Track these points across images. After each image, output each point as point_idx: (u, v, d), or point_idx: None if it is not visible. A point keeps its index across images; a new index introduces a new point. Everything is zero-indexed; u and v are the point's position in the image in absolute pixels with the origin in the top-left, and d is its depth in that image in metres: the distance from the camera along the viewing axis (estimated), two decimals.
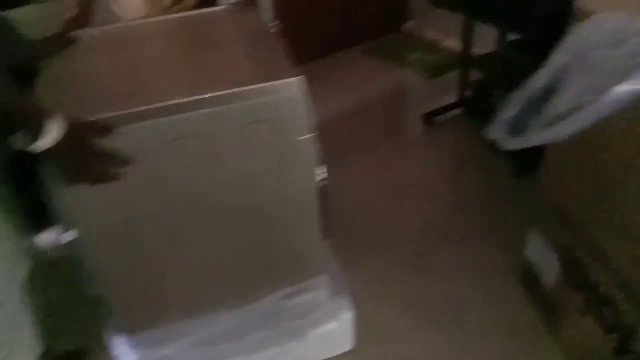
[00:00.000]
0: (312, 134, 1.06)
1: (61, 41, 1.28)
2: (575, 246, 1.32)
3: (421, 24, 3.55)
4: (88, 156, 0.92)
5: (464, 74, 2.50)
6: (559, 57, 1.05)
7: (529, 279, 1.60)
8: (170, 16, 1.59)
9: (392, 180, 2.25)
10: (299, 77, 0.98)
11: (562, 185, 1.35)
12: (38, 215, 1.13)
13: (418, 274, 1.77)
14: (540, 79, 1.08)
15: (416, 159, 2.40)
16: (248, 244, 1.17)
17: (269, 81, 0.98)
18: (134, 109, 0.94)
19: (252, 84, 0.98)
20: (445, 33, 3.29)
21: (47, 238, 1.29)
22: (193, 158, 1.01)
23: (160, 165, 1.00)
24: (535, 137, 1.05)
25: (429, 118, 2.60)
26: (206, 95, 0.95)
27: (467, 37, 2.38)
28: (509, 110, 1.12)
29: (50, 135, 0.84)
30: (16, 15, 1.21)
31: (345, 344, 1.50)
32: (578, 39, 1.01)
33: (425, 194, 2.15)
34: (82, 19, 1.48)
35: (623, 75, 0.92)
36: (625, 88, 0.91)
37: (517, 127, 1.12)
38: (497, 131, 1.13)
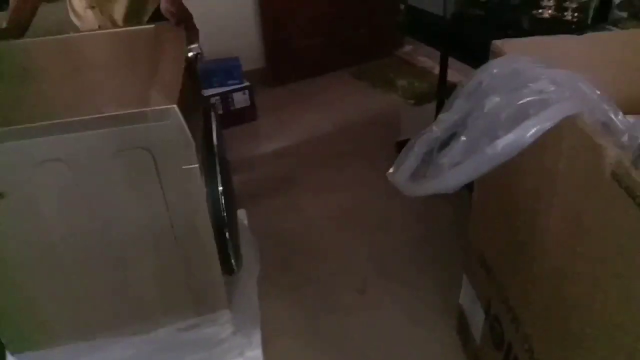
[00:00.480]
0: (197, 164, 1.01)
1: None
2: (495, 302, 1.23)
3: (415, 50, 3.49)
4: None
5: (440, 104, 2.42)
6: (460, 102, 0.98)
7: (463, 327, 1.51)
8: (105, 31, 1.58)
9: (349, 207, 2.18)
10: (173, 105, 0.93)
11: (483, 233, 1.27)
12: None
13: (353, 312, 1.68)
14: (442, 123, 1.01)
15: (380, 187, 2.31)
16: (132, 273, 1.12)
17: (140, 108, 0.93)
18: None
19: (125, 109, 0.93)
20: (437, 60, 3.21)
21: None
22: (65, 183, 0.97)
23: (32, 190, 0.96)
24: (427, 186, 0.97)
25: (403, 146, 2.51)
26: (68, 120, 0.91)
27: (443, 67, 2.30)
28: (412, 155, 1.05)
29: None
30: None
31: None
32: (477, 82, 0.94)
33: (380, 225, 2.07)
34: (16, 29, 1.47)
35: (511, 126, 0.85)
36: (508, 140, 0.83)
37: (419, 173, 1.05)
38: (398, 176, 1.06)
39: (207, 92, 2.65)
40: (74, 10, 1.79)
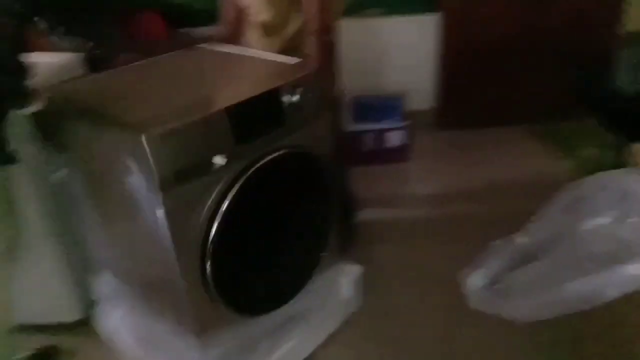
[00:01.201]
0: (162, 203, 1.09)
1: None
2: None
3: None
4: None
5: None
6: (554, 214, 0.79)
7: None
8: (255, 53, 1.75)
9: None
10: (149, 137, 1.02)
11: None
12: None
13: None
14: (530, 233, 0.83)
15: None
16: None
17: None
18: None
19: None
20: None
21: None
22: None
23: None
24: (495, 306, 0.81)
25: None
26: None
27: (618, 154, 1.91)
28: (492, 261, 0.89)
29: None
30: None
31: None
32: (578, 196, 0.75)
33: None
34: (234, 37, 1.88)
35: (601, 266, 0.65)
36: (589, 286, 0.64)
37: (497, 285, 0.88)
38: (471, 281, 0.90)
39: (361, 127, 2.66)
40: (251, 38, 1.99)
